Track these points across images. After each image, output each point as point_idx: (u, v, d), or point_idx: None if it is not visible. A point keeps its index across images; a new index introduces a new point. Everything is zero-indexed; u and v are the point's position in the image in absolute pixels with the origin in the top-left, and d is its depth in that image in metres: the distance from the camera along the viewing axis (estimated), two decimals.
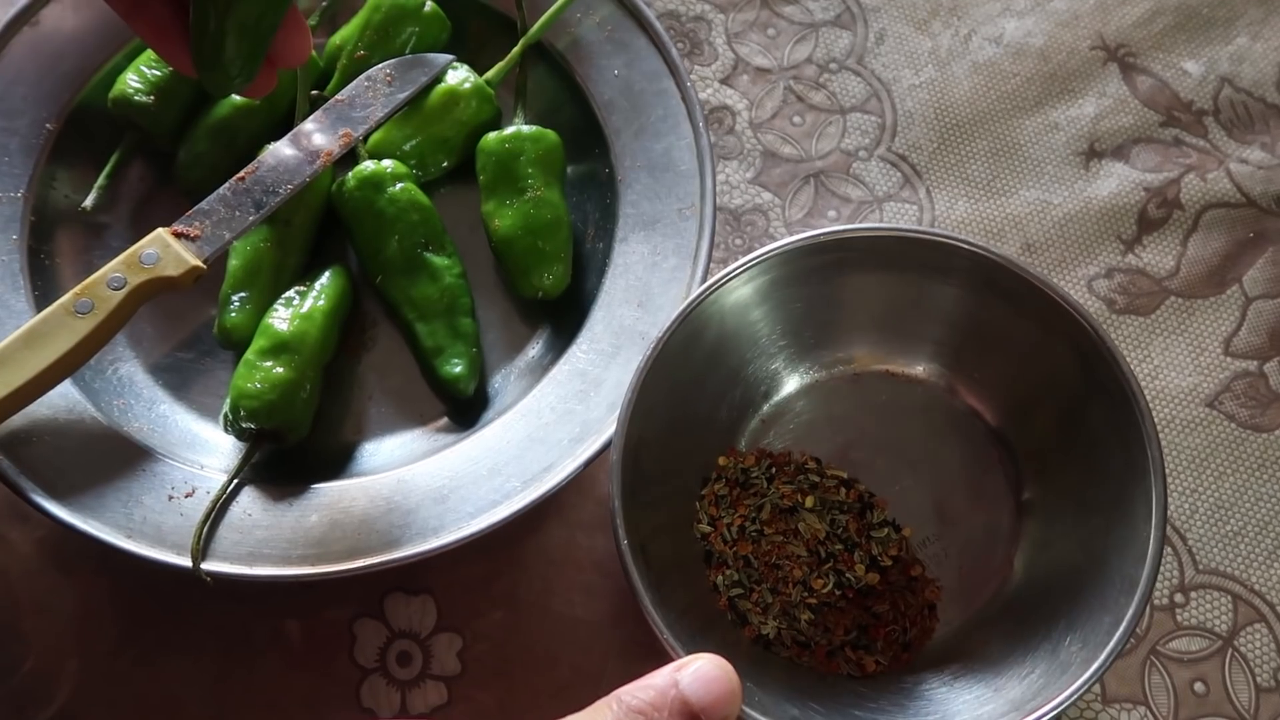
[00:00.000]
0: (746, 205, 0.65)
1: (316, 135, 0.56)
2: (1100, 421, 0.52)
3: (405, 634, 0.54)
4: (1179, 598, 0.57)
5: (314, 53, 0.60)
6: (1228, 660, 0.56)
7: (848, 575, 0.54)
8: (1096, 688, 0.55)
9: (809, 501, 0.55)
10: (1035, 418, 0.55)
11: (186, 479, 0.52)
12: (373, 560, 0.50)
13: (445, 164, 0.60)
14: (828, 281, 0.55)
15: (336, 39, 0.62)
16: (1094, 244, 0.64)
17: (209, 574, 0.49)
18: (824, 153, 0.66)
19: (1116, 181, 0.66)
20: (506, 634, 0.54)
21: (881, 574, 0.54)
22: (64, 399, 0.53)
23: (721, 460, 0.55)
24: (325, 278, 0.56)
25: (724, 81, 0.68)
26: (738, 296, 0.54)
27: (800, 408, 0.58)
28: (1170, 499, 0.58)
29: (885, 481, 0.56)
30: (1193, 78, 0.69)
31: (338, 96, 0.58)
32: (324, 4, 0.63)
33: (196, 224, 0.53)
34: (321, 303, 0.55)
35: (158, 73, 0.58)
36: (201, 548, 0.50)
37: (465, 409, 0.56)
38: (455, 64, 0.60)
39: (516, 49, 0.61)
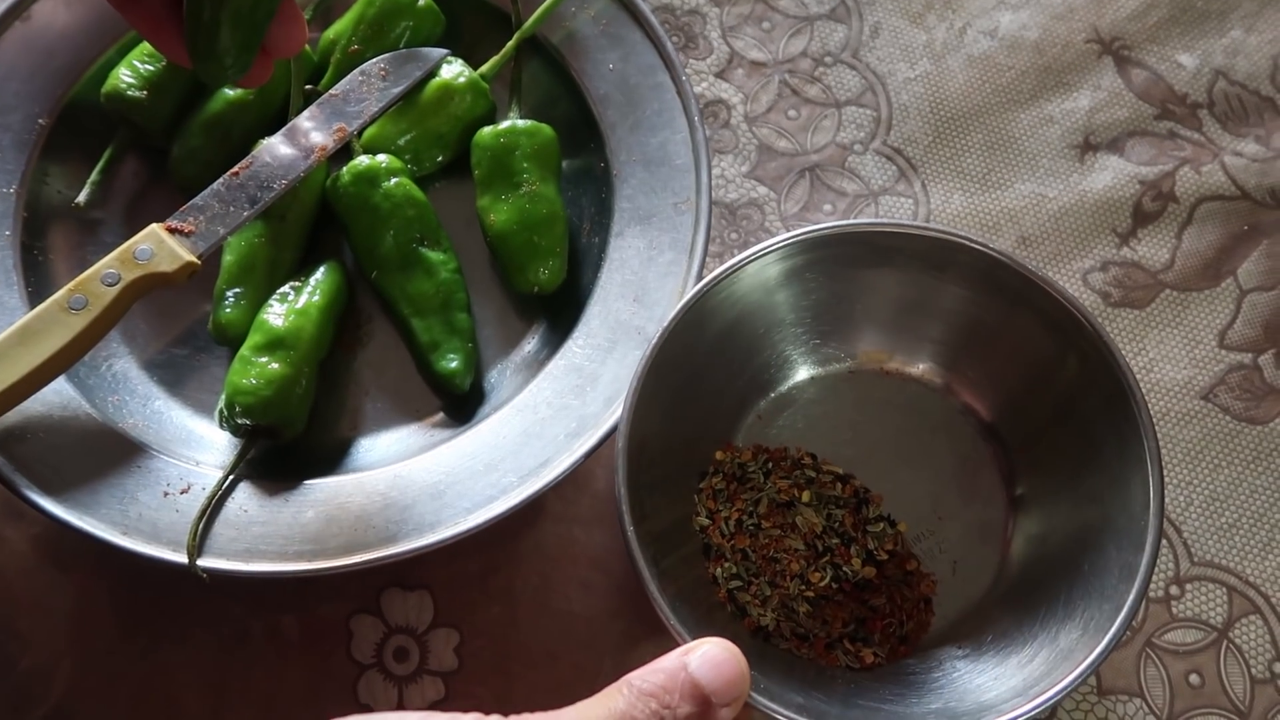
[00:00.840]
0: (742, 199, 0.65)
1: (311, 130, 0.56)
2: (1096, 413, 0.52)
3: (402, 630, 0.54)
4: (1174, 590, 0.57)
5: (308, 47, 0.60)
6: (1223, 652, 0.56)
7: (845, 569, 0.54)
8: (1092, 679, 0.55)
9: (805, 496, 0.55)
10: (1030, 413, 0.55)
11: (182, 475, 0.52)
12: (369, 556, 0.50)
13: (440, 159, 0.60)
14: (835, 276, 0.55)
15: (330, 33, 0.61)
16: (1089, 237, 0.65)
17: (205, 570, 0.49)
18: (819, 146, 0.66)
19: (1111, 175, 0.66)
20: (504, 629, 0.54)
21: (878, 568, 0.54)
22: (58, 395, 0.53)
23: (719, 455, 0.55)
24: (320, 273, 0.56)
25: (719, 75, 0.68)
26: (748, 286, 0.54)
27: (798, 403, 0.58)
28: (1165, 492, 0.58)
29: (881, 477, 0.56)
30: (1187, 71, 0.69)
31: (332, 91, 0.58)
32: None
33: (191, 219, 0.53)
34: (317, 298, 0.55)
35: (151, 68, 0.58)
36: (197, 544, 0.49)
37: (461, 404, 0.56)
38: (450, 58, 0.60)
39: (511, 43, 0.61)
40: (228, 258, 0.56)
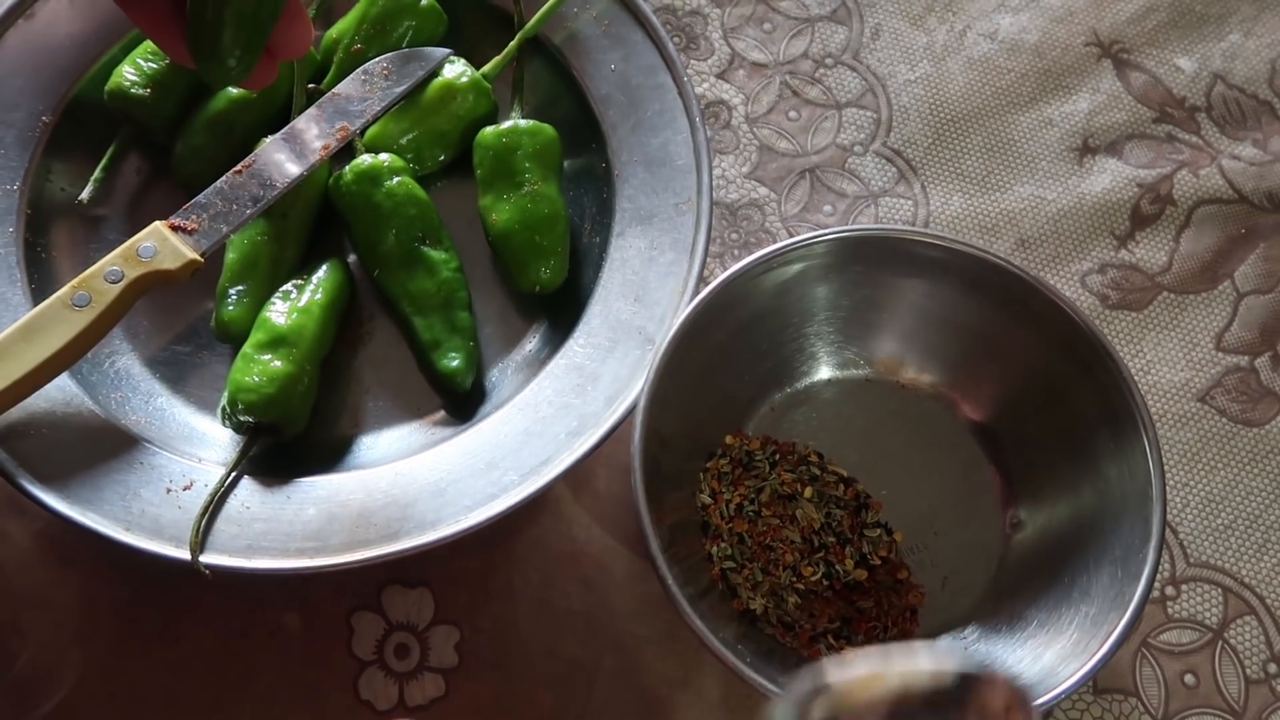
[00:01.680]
0: (742, 200, 0.65)
1: (314, 129, 0.57)
2: (1102, 442, 0.53)
3: (403, 626, 0.55)
4: (1170, 590, 0.58)
5: (311, 46, 0.60)
6: (1218, 652, 0.56)
7: (837, 567, 0.54)
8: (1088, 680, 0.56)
9: (807, 492, 0.55)
10: (1037, 439, 0.56)
11: (184, 472, 0.52)
12: (370, 553, 0.50)
13: (442, 158, 0.60)
14: (874, 281, 0.56)
15: (333, 32, 0.62)
16: (1087, 240, 0.65)
17: (207, 567, 0.49)
18: (820, 148, 0.66)
19: (1110, 177, 0.66)
20: (504, 627, 0.55)
21: (870, 572, 0.55)
22: (61, 392, 0.53)
23: (729, 439, 0.56)
24: (322, 271, 0.57)
25: (720, 76, 0.68)
26: (792, 274, 0.55)
27: (813, 402, 0.58)
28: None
29: (883, 485, 0.57)
30: (1186, 74, 0.69)
31: (334, 90, 0.58)
32: None
33: (194, 217, 0.53)
34: (319, 296, 0.55)
35: (154, 65, 0.58)
36: (200, 540, 0.50)
37: (462, 403, 0.57)
38: (452, 58, 0.60)
39: (513, 43, 0.61)
40: (230, 255, 0.56)
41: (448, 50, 0.60)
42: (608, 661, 0.54)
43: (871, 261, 0.55)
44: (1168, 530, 0.59)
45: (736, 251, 0.63)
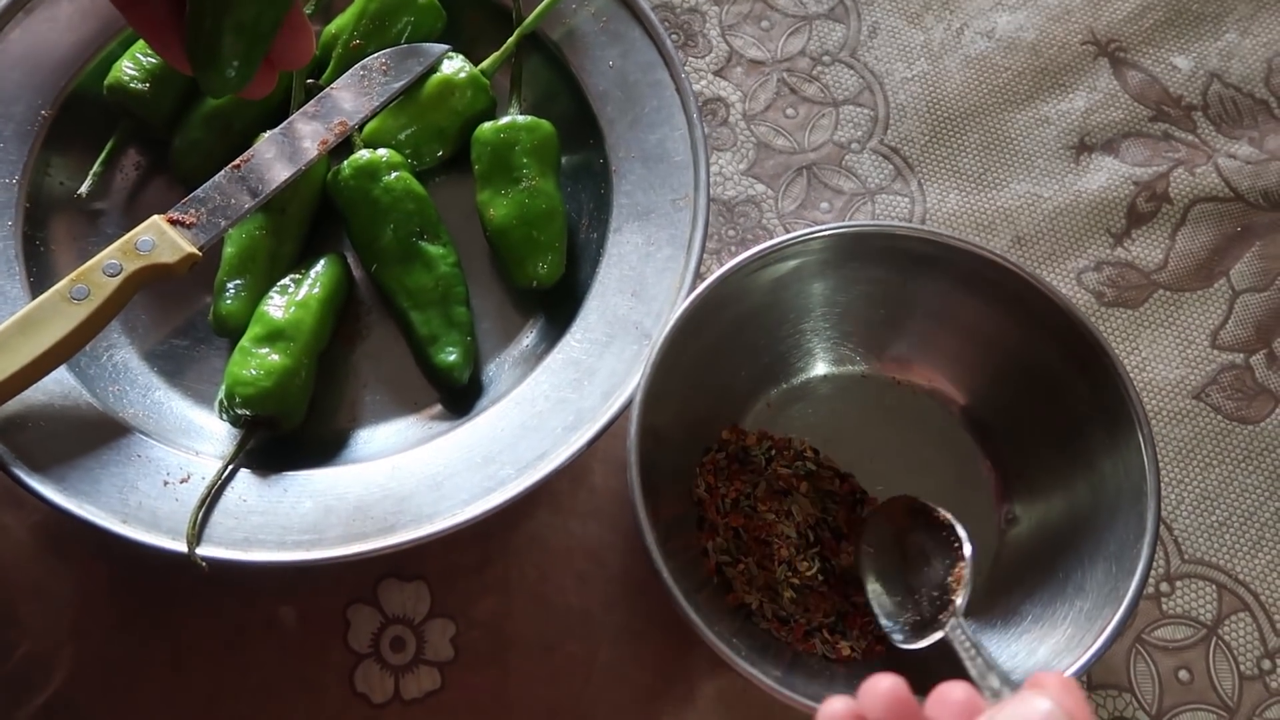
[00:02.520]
0: (739, 196, 0.65)
1: (312, 124, 0.57)
2: (1098, 442, 0.53)
3: (399, 620, 0.55)
4: (1164, 587, 0.58)
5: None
6: (1212, 649, 0.57)
7: (833, 562, 0.55)
8: (1082, 675, 0.56)
9: (803, 487, 0.55)
10: (1032, 435, 0.56)
11: (181, 465, 0.52)
12: (367, 546, 0.50)
13: (440, 153, 0.60)
14: (870, 278, 0.56)
15: (332, 28, 0.62)
16: (1083, 237, 0.65)
17: (204, 559, 0.49)
18: (817, 145, 0.67)
19: (1106, 175, 0.67)
20: (500, 620, 0.55)
21: None
22: (59, 385, 0.53)
23: (725, 433, 0.56)
24: (320, 266, 0.57)
25: (718, 73, 0.68)
26: (788, 269, 0.55)
27: (809, 398, 0.59)
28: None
29: (878, 481, 0.57)
30: (1182, 73, 0.69)
31: (333, 85, 0.58)
32: None
33: (192, 211, 0.53)
34: (316, 291, 0.56)
35: (153, 60, 0.58)
36: (197, 533, 0.50)
37: (459, 397, 0.57)
38: (451, 54, 0.60)
39: (511, 39, 0.61)
40: (228, 250, 0.57)
41: (446, 46, 0.61)
42: (603, 655, 0.54)
43: (868, 258, 0.56)
44: (1162, 527, 0.59)
45: (733, 248, 0.64)
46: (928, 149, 0.67)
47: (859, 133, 0.67)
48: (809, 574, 0.54)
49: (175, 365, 0.57)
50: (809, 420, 0.58)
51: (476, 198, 0.59)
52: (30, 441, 0.51)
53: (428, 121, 0.59)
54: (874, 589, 0.52)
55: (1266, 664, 0.56)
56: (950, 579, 0.50)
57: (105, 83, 0.58)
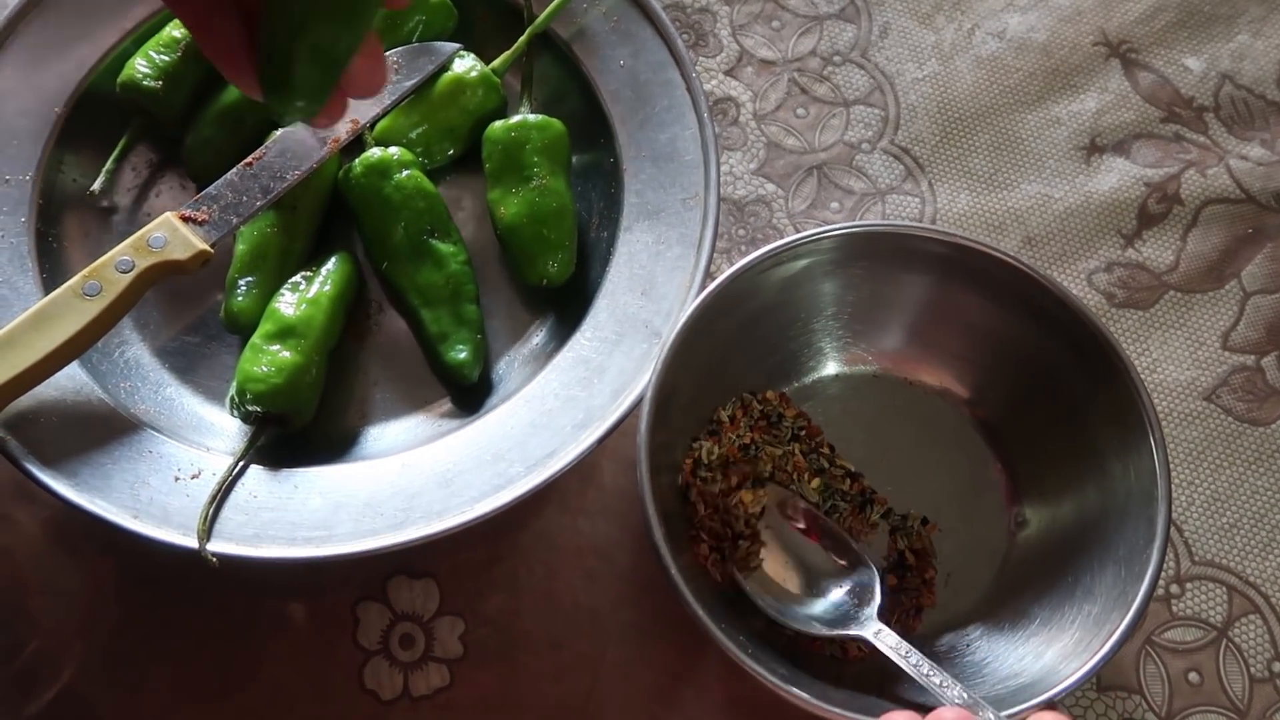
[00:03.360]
0: (750, 196, 0.65)
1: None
2: (1108, 442, 0.53)
3: (408, 617, 0.55)
4: (1175, 589, 0.58)
5: None
6: (1222, 651, 0.56)
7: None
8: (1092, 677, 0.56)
9: (815, 483, 0.55)
10: (1043, 436, 0.56)
11: (192, 461, 0.52)
12: (376, 543, 0.50)
13: (451, 152, 0.61)
14: (881, 277, 0.56)
15: None
16: (1094, 238, 0.65)
17: (214, 555, 0.49)
18: (827, 145, 0.67)
19: (1117, 176, 0.66)
20: (508, 618, 0.55)
21: (901, 565, 0.55)
22: (71, 381, 0.53)
23: (769, 393, 0.57)
24: (331, 263, 0.57)
25: (729, 73, 0.68)
26: (799, 268, 0.55)
27: (820, 397, 0.59)
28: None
29: (887, 481, 0.57)
30: (1194, 74, 0.69)
31: None
32: None
33: (204, 208, 0.54)
34: (327, 288, 0.56)
35: (166, 58, 0.59)
36: (207, 529, 0.50)
37: (469, 395, 0.57)
38: (462, 52, 0.61)
39: (523, 38, 0.61)
40: (240, 247, 0.57)
41: (457, 45, 0.61)
42: (611, 653, 0.54)
43: (878, 257, 0.56)
44: (1173, 528, 0.59)
45: (743, 247, 0.64)
46: (938, 149, 0.67)
47: (869, 133, 0.67)
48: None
49: (186, 362, 0.57)
50: (819, 420, 0.58)
51: (487, 196, 0.59)
52: (42, 437, 0.51)
53: (439, 120, 0.60)
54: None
55: (1277, 666, 0.56)
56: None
57: (118, 81, 0.59)
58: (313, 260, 0.57)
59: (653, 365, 0.51)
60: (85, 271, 0.51)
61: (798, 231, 0.61)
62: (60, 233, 0.58)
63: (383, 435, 0.56)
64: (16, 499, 0.55)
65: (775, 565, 0.53)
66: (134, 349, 0.57)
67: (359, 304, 0.59)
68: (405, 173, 0.57)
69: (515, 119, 0.59)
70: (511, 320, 0.59)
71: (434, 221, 0.57)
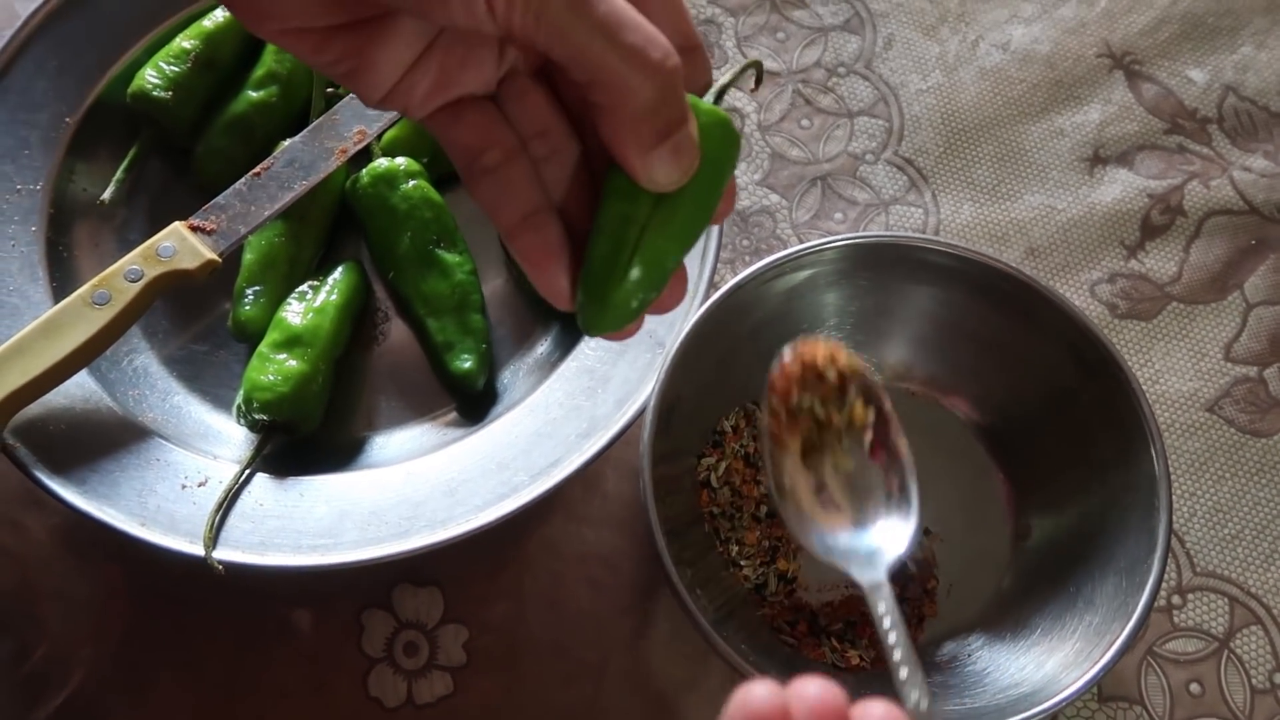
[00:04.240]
0: (754, 207, 0.65)
1: (331, 132, 0.57)
2: (1101, 420, 0.53)
3: (412, 625, 0.55)
4: (1176, 599, 0.58)
5: None
6: (1224, 662, 0.57)
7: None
8: (1092, 687, 0.56)
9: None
10: (1045, 447, 0.56)
11: (199, 469, 0.53)
12: (381, 551, 0.50)
13: None
14: (884, 288, 0.56)
15: None
16: (1097, 249, 0.65)
17: (220, 562, 0.50)
18: (831, 155, 0.67)
19: (1120, 187, 0.67)
20: (512, 626, 0.55)
21: (901, 574, 0.55)
22: (81, 389, 0.54)
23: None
24: (338, 273, 0.57)
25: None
26: (801, 279, 0.55)
27: None
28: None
29: None
30: (1198, 86, 0.69)
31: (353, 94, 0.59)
32: None
33: (213, 218, 0.54)
34: (334, 297, 0.56)
35: (176, 69, 0.59)
36: (214, 536, 0.50)
37: (474, 404, 0.57)
38: None
39: None
40: (248, 256, 0.57)
41: None
42: (615, 662, 0.55)
43: (881, 268, 0.56)
44: (1175, 539, 0.59)
45: (747, 258, 0.64)
46: (942, 160, 0.67)
47: (873, 144, 0.67)
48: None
49: (194, 370, 0.58)
50: None
51: None
52: (51, 444, 0.52)
53: None
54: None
55: (1279, 677, 0.56)
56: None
57: (129, 91, 0.59)
58: (320, 269, 0.58)
59: (656, 375, 0.52)
60: (95, 280, 0.51)
61: (801, 242, 0.61)
62: (70, 241, 0.58)
63: (388, 444, 0.56)
64: (25, 506, 0.56)
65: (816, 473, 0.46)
66: (142, 357, 0.57)
67: (366, 313, 0.59)
68: (412, 183, 0.58)
69: None
70: (517, 329, 0.59)
71: (440, 231, 0.57)
